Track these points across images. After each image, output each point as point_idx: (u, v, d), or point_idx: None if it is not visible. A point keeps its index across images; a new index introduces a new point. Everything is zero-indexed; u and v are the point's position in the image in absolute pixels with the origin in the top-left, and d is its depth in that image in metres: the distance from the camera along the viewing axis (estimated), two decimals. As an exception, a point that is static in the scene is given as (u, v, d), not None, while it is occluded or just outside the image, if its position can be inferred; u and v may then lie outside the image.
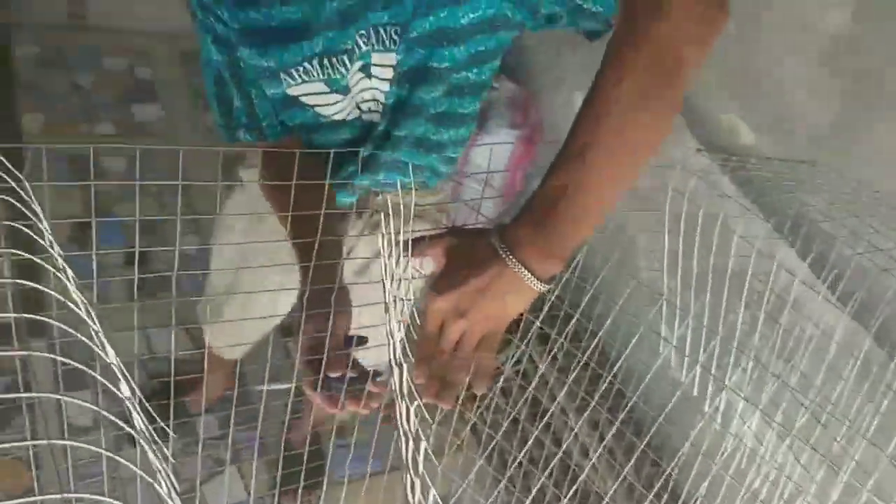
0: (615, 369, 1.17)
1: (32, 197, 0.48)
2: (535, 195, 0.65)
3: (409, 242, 0.69)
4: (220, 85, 0.88)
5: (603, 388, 1.03)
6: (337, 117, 0.90)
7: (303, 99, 0.87)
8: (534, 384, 1.07)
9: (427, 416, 0.69)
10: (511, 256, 0.64)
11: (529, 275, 0.64)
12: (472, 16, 0.78)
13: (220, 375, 1.64)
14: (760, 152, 1.45)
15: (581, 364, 0.93)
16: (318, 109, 0.89)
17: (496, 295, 0.65)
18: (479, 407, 1.34)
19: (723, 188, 1.13)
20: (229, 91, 0.88)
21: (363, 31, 0.79)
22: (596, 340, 0.96)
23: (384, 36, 0.80)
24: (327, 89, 0.85)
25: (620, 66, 0.63)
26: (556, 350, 1.02)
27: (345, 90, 0.86)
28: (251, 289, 1.14)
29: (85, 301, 0.49)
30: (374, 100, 0.88)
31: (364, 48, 0.81)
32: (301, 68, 0.82)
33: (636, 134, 0.64)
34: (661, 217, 0.94)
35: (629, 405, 0.99)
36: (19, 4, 2.33)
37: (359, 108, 0.90)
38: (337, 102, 0.87)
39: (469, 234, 0.71)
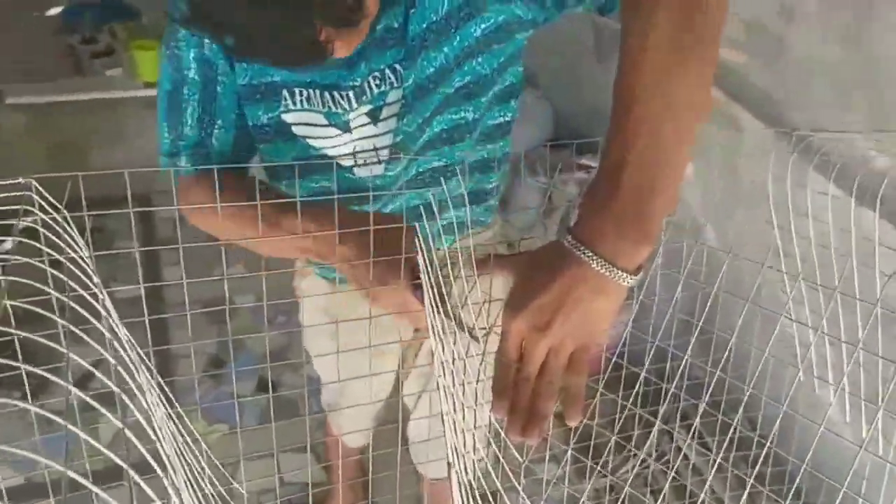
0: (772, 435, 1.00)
1: (73, 231, 0.48)
2: (596, 177, 0.58)
3: (474, 265, 0.64)
4: (174, 108, 0.84)
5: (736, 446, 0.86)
6: (331, 152, 0.87)
7: (295, 129, 0.84)
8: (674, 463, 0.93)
9: (517, 453, 0.60)
10: (587, 251, 0.56)
11: (614, 268, 0.55)
12: (484, 26, 0.76)
13: (348, 489, 1.61)
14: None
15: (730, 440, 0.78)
16: (310, 141, 0.86)
17: (579, 300, 0.56)
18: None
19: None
20: (183, 116, 0.84)
21: (377, 73, 0.79)
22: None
23: (390, 74, 0.79)
24: (325, 122, 0.84)
25: (646, 20, 0.57)
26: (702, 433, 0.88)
27: (345, 127, 0.84)
28: (357, 368, 1.13)
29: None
30: (375, 148, 0.85)
31: (377, 90, 0.80)
32: (305, 92, 0.81)
33: (679, 79, 0.57)
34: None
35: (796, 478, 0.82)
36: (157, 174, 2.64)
37: (353, 156, 0.87)
38: (335, 136, 0.85)
39: (539, 248, 0.65)
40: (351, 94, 0.81)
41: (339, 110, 0.82)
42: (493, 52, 0.79)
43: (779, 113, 1.47)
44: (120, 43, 2.63)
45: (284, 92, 0.81)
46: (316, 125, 0.84)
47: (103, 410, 0.33)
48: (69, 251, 0.44)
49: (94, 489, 0.27)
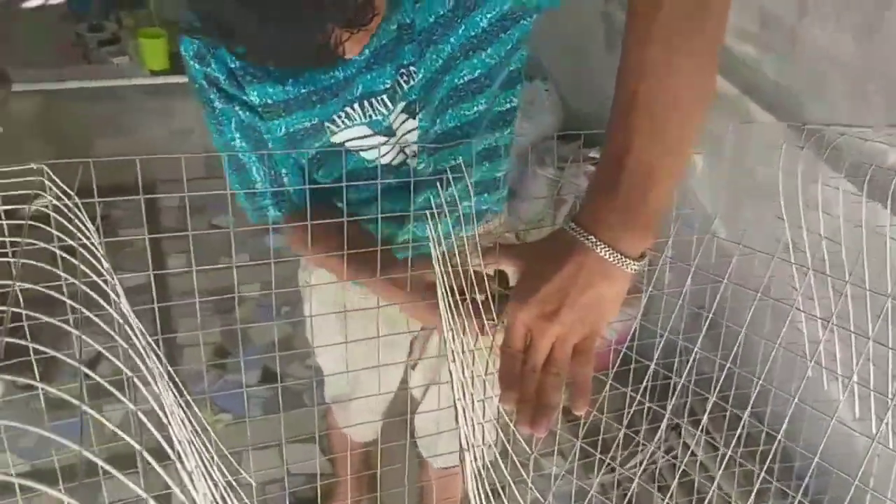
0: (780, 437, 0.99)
1: (84, 215, 0.48)
2: (599, 165, 0.58)
3: (480, 253, 0.63)
4: (239, 170, 0.88)
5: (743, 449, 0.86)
6: (383, 160, 0.88)
7: (348, 144, 0.86)
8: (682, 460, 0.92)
9: (526, 446, 0.60)
10: (591, 237, 0.56)
11: (617, 254, 0.55)
12: (490, 15, 0.76)
13: (354, 482, 1.61)
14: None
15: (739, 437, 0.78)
16: (362, 154, 0.88)
17: (585, 287, 0.56)
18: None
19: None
20: (250, 175, 0.88)
21: (403, 70, 0.79)
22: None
23: (414, 70, 0.79)
24: (370, 131, 0.85)
25: (648, 10, 0.57)
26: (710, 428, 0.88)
27: (388, 131, 0.85)
28: (366, 361, 1.13)
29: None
30: (414, 142, 0.86)
31: (406, 86, 0.80)
32: (343, 114, 0.82)
33: (684, 66, 0.56)
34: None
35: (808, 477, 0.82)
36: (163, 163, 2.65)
37: (403, 152, 0.88)
38: (385, 142, 0.86)
39: (543, 237, 0.64)
40: (384, 97, 0.81)
41: (379, 116, 0.83)
42: (500, 41, 0.79)
43: (792, 106, 1.46)
44: (126, 31, 2.62)
45: (326, 124, 0.83)
46: (363, 137, 0.85)
47: (118, 395, 0.33)
48: (80, 237, 0.44)
49: (112, 470, 0.27)
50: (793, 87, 1.45)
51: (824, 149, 0.95)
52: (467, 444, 0.55)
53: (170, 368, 0.58)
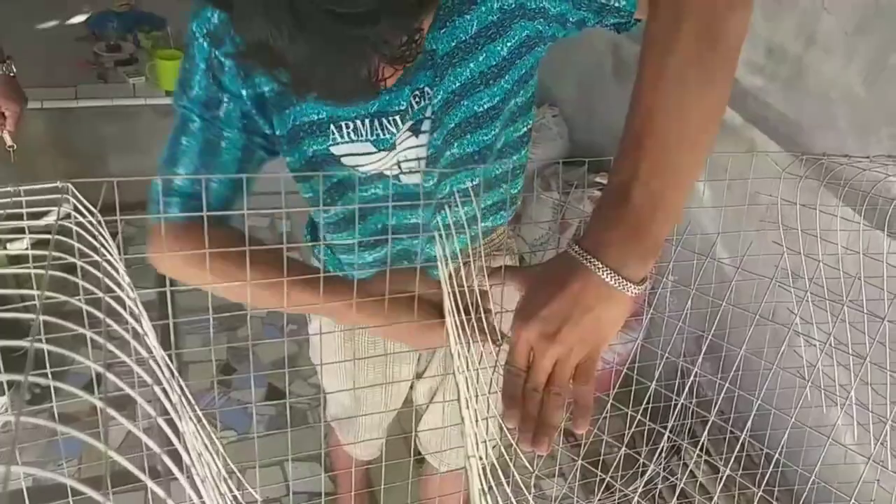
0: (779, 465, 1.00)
1: (105, 231, 0.50)
2: (605, 192, 0.61)
3: (486, 276, 0.65)
4: (174, 149, 0.82)
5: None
6: (373, 169, 0.87)
7: (344, 160, 0.85)
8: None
9: (528, 464, 0.61)
10: (594, 260, 0.58)
11: (619, 277, 0.58)
12: (509, 45, 0.78)
13: (356, 500, 1.62)
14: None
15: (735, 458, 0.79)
16: (358, 168, 0.87)
17: (586, 308, 0.58)
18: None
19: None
20: (179, 160, 0.81)
21: (417, 92, 0.80)
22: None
23: (429, 91, 0.80)
24: (374, 149, 0.84)
25: (664, 46, 0.60)
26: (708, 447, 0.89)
27: (391, 147, 0.85)
28: (371, 380, 1.15)
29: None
30: (417, 158, 0.86)
31: (416, 108, 0.82)
32: (351, 124, 0.82)
33: (695, 104, 0.59)
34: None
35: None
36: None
37: (398, 165, 0.88)
38: (382, 158, 0.86)
39: (548, 260, 0.66)
40: (397, 118, 0.82)
41: (387, 135, 0.83)
42: (516, 67, 0.81)
43: (796, 137, 1.48)
44: (144, 52, 2.67)
45: (332, 127, 0.82)
46: (363, 154, 0.85)
47: (146, 406, 0.35)
48: (105, 253, 0.46)
49: (142, 476, 0.28)
50: (799, 118, 1.48)
51: (824, 177, 0.97)
52: (474, 452, 0.56)
53: (182, 383, 0.60)
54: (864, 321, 0.76)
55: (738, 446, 0.72)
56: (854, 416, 0.77)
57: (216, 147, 0.81)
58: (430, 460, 1.31)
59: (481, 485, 0.54)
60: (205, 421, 0.63)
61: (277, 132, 0.83)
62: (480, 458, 0.56)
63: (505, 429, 0.61)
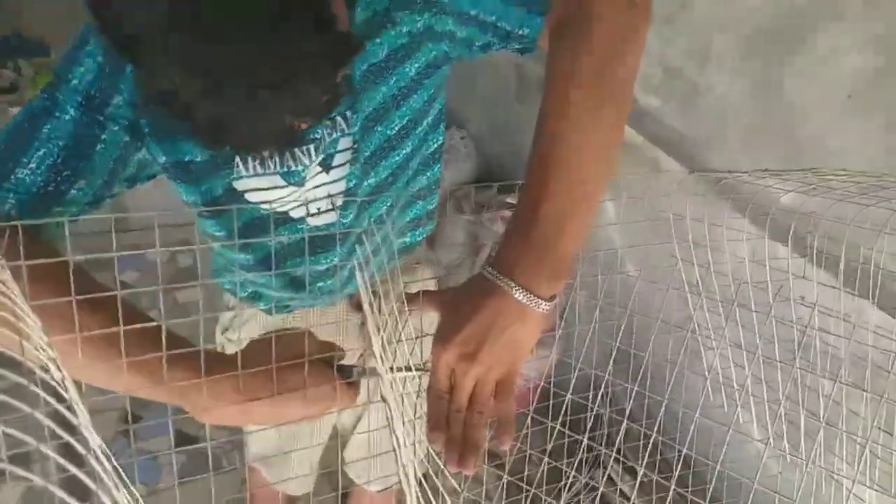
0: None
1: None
2: (514, 213, 0.63)
3: (404, 301, 0.66)
4: (15, 136, 0.67)
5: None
6: (281, 208, 0.83)
7: (248, 195, 0.79)
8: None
9: (457, 485, 0.62)
10: (509, 281, 0.60)
11: (531, 295, 0.60)
12: (417, 66, 0.80)
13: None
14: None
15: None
16: (262, 205, 0.81)
17: (502, 328, 0.61)
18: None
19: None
20: (19, 152, 0.66)
21: (327, 121, 0.79)
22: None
23: (341, 121, 0.80)
24: (283, 182, 0.80)
25: (567, 79, 0.64)
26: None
27: (300, 182, 0.81)
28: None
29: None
30: (328, 196, 0.84)
31: (329, 139, 0.80)
32: (258, 157, 0.77)
33: (597, 124, 0.64)
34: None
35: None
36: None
37: (306, 207, 0.84)
38: (289, 194, 0.81)
39: (463, 283, 0.68)
40: (311, 147, 0.79)
41: (299, 167, 0.80)
42: (424, 87, 0.83)
43: (695, 153, 1.58)
44: (26, 80, 2.54)
45: (236, 160, 0.77)
46: (271, 188, 0.80)
47: (65, 464, 0.32)
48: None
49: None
50: (695, 135, 1.57)
51: (723, 192, 1.04)
52: (404, 466, 0.57)
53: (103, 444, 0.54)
54: (753, 321, 0.82)
55: (651, 448, 0.76)
56: (753, 410, 0.82)
57: (87, 146, 0.67)
58: (359, 482, 1.29)
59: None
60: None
61: (164, 159, 0.73)
62: (413, 483, 0.57)
63: (432, 452, 0.62)
